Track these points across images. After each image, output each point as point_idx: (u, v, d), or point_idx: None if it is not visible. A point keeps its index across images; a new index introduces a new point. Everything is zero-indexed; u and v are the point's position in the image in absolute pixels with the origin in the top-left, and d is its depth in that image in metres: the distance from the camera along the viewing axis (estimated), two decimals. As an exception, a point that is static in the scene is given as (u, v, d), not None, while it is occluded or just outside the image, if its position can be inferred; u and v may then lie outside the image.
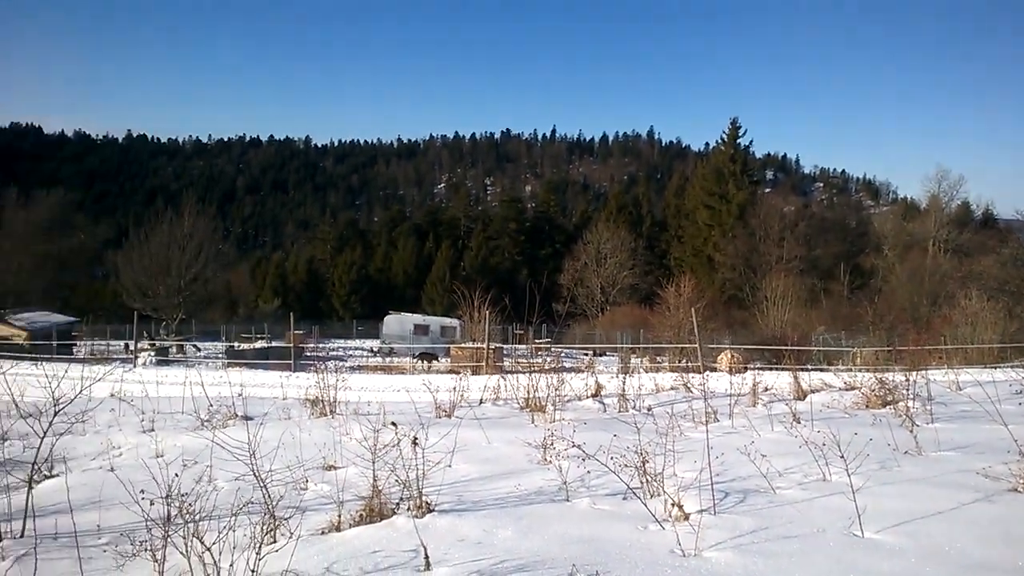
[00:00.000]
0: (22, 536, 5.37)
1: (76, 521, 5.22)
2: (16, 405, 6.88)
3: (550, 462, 6.60)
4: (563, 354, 24.13)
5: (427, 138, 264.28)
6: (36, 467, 6.51)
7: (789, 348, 21.80)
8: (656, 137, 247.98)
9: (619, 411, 9.82)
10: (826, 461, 5.67)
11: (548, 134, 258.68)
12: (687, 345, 23.11)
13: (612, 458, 5.56)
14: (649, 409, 9.06)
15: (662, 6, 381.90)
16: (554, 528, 4.90)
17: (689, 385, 12.50)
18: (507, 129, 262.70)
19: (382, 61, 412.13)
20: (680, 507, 4.99)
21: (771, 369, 17.09)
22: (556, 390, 9.95)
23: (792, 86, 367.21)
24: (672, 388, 12.66)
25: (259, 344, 38.73)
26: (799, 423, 7.92)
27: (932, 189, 68.66)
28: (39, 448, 6.20)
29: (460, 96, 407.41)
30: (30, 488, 6.08)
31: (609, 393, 11.24)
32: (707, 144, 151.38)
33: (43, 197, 57.73)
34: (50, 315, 39.23)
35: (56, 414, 6.04)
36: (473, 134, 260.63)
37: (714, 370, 18.15)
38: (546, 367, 11.64)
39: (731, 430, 8.01)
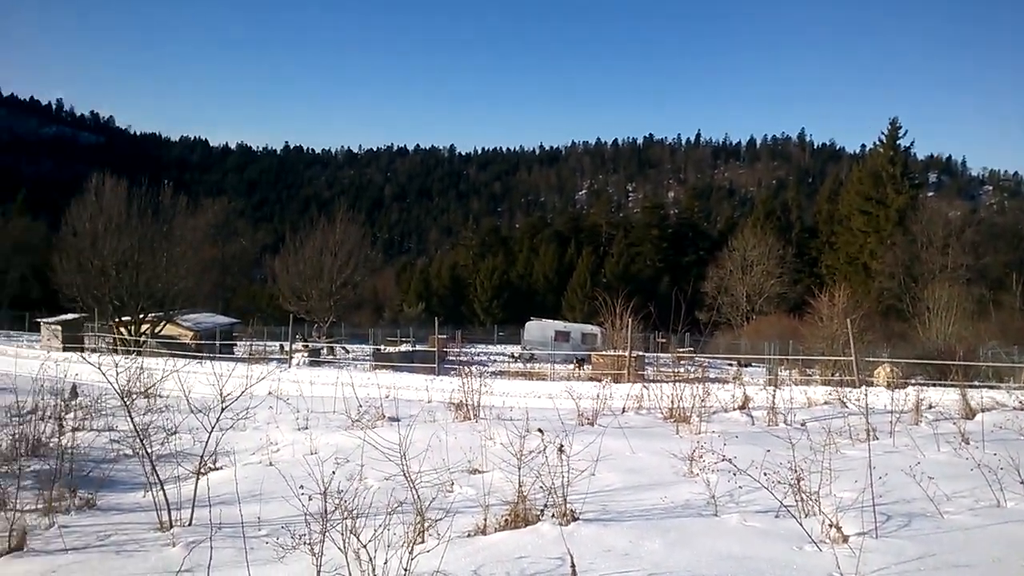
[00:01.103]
0: (190, 524, 5.72)
1: (237, 512, 5.50)
2: (188, 401, 7.33)
3: (697, 475, 6.42)
4: (707, 364, 23.57)
5: (568, 144, 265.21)
6: (203, 460, 6.94)
7: (955, 363, 20.36)
8: (807, 139, 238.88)
9: (768, 424, 9.46)
10: (1000, 486, 5.24)
11: (692, 138, 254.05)
12: (841, 358, 22.03)
13: (765, 473, 5.34)
14: (803, 424, 8.66)
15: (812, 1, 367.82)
16: (703, 543, 4.75)
17: (845, 400, 11.89)
18: (650, 134, 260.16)
19: (526, 68, 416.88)
20: (838, 528, 4.73)
21: (935, 385, 16.04)
22: (702, 401, 9.69)
23: (958, 82, 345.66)
24: (826, 403, 12.09)
25: (404, 347, 39.89)
26: (968, 444, 7.36)
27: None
28: (207, 442, 6.59)
29: (602, 102, 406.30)
30: (198, 480, 6.48)
31: (757, 406, 10.85)
32: (863, 146, 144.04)
33: (209, 205, 61.71)
34: (214, 316, 41.87)
35: (223, 410, 6.40)
36: (615, 139, 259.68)
37: (871, 385, 17.20)
38: (690, 377, 11.38)
39: (892, 449, 7.54)
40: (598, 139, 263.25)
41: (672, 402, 10.01)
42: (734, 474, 5.56)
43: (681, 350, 33.57)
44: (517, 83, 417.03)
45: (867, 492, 4.97)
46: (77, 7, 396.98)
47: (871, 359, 23.99)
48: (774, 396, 10.33)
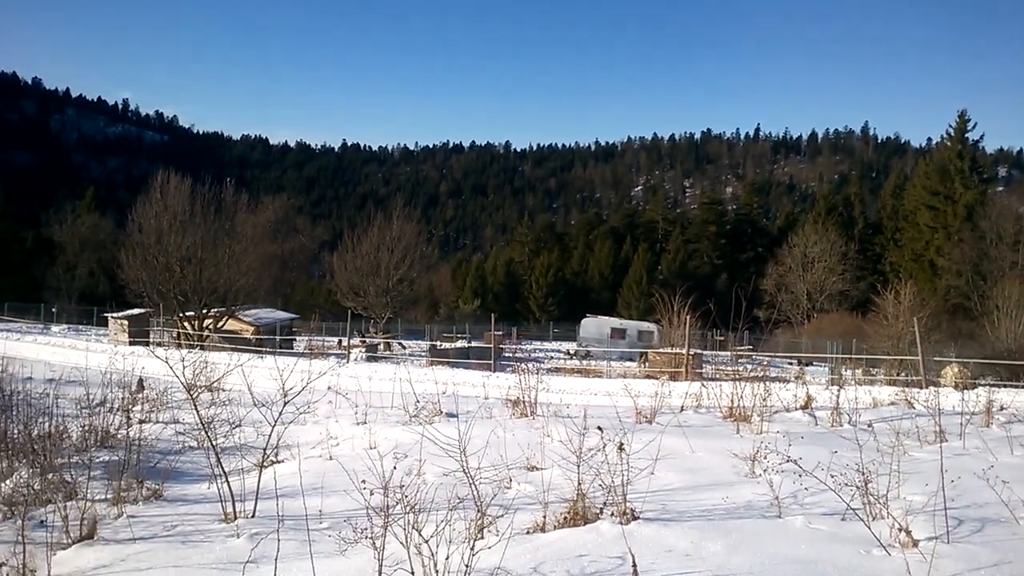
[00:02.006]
0: (253, 516, 5.82)
1: (299, 505, 5.58)
2: (252, 395, 7.46)
3: (759, 475, 6.30)
4: (767, 363, 23.15)
5: (624, 140, 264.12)
6: (266, 453, 7.05)
7: (1028, 364, 19.69)
8: (871, 133, 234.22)
9: (832, 425, 9.23)
10: (1079, 492, 5.03)
11: (751, 132, 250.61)
12: (907, 357, 21.46)
13: (832, 475, 5.21)
14: (869, 425, 8.43)
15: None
16: (767, 546, 4.65)
17: (911, 400, 11.57)
18: (707, 129, 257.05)
19: (582, 63, 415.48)
20: (908, 532, 4.58)
21: (1006, 386, 15.51)
22: (763, 400, 9.50)
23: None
24: (891, 403, 11.76)
25: (460, 344, 40.11)
26: (1045, 447, 7.10)
27: None
28: (270, 436, 6.69)
29: (659, 97, 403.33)
30: (261, 472, 6.59)
31: (820, 405, 10.61)
32: (929, 139, 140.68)
33: (269, 202, 62.82)
34: (274, 312, 42.64)
35: (285, 404, 6.49)
36: (672, 135, 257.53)
37: (938, 385, 16.71)
38: (750, 375, 11.18)
39: (962, 452, 7.30)
40: (654, 134, 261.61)
41: (732, 401, 9.85)
42: (799, 475, 5.43)
43: (740, 348, 33.11)
44: (573, 78, 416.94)
45: (938, 496, 4.82)
46: (142, 11, 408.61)
47: (938, 359, 23.30)
48: (838, 396, 10.09)
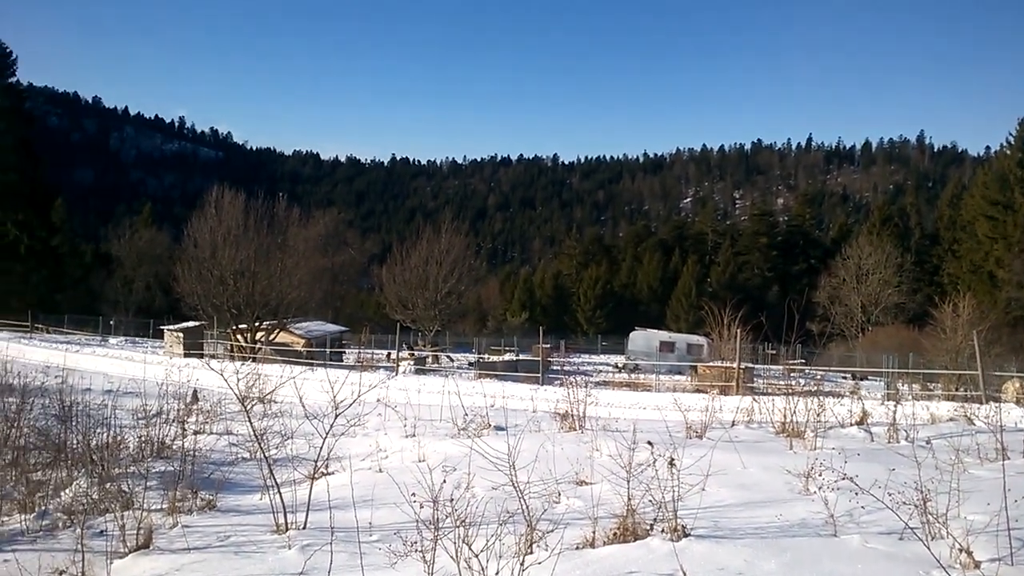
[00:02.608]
0: (305, 527, 5.88)
1: (350, 518, 5.62)
2: (304, 407, 7.55)
3: (813, 492, 6.18)
4: (821, 377, 22.72)
5: (673, 151, 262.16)
6: (317, 465, 7.13)
7: (1093, 379, 19.01)
8: (927, 142, 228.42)
9: (889, 441, 9.02)
10: None
11: (803, 143, 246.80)
12: (966, 372, 20.88)
13: (889, 493, 5.08)
14: (927, 441, 8.22)
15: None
16: (824, 566, 4.56)
17: (971, 416, 11.24)
18: (758, 139, 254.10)
19: (630, 74, 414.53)
20: (969, 553, 4.44)
21: (1071, 402, 14.99)
22: (817, 415, 9.32)
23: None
24: (950, 419, 11.46)
25: (508, 356, 40.13)
26: (1114, 466, 6.84)
27: None
28: (321, 448, 6.77)
29: (709, 107, 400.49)
30: (312, 484, 6.67)
31: (876, 421, 10.38)
32: (988, 148, 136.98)
33: (320, 216, 63.68)
34: (324, 324, 43.13)
35: (336, 417, 6.56)
36: (721, 145, 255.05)
37: (998, 401, 16.22)
38: (803, 389, 10.98)
39: (1026, 470, 7.07)
40: (704, 145, 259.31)
41: (785, 416, 9.68)
42: (855, 493, 5.31)
43: (792, 362, 32.56)
44: (621, 90, 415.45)
45: (1000, 515, 4.66)
46: (198, 32, 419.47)
47: (999, 373, 22.63)
48: (895, 411, 9.85)
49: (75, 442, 8.10)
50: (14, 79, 50.08)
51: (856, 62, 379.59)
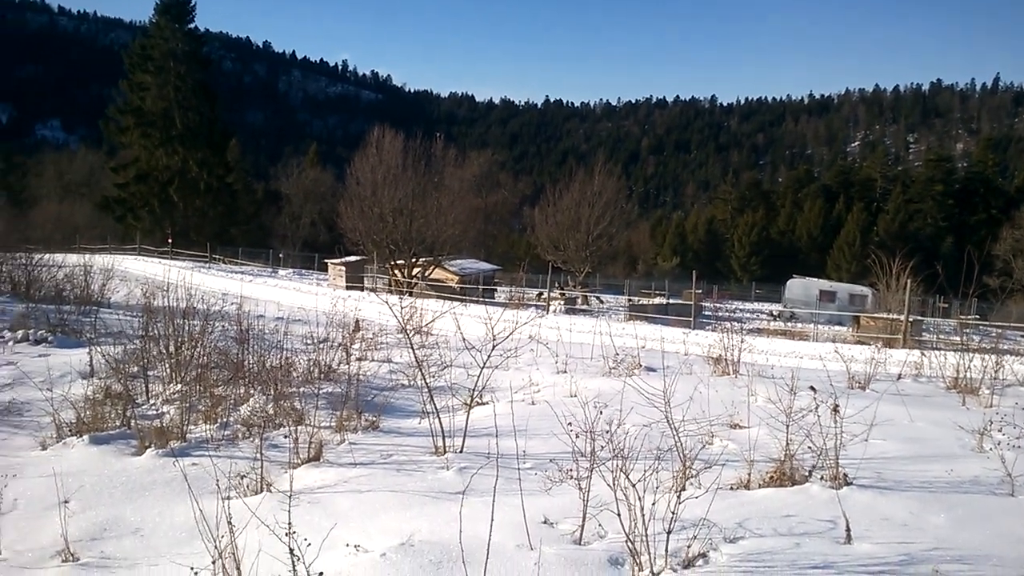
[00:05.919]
0: (461, 451, 6.10)
1: (504, 445, 5.79)
2: (463, 338, 7.78)
3: (988, 450, 5.81)
4: (999, 334, 21.15)
5: (842, 92, 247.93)
6: (473, 394, 7.36)
7: None
8: None
9: (1076, 402, 8.34)
10: None
11: (989, 83, 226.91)
12: None
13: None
14: (1123, 402, 7.54)
15: None
16: (997, 523, 4.32)
17: None
18: (937, 79, 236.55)
19: (795, 9, 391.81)
20: None
21: None
22: (994, 372, 8.72)
23: None
24: None
25: (658, 300, 39.69)
26: None
27: None
28: (478, 377, 6.98)
29: (882, 44, 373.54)
30: (469, 411, 6.90)
31: (1062, 380, 9.60)
32: None
33: (474, 157, 64.61)
34: (477, 262, 44.07)
35: (493, 348, 6.72)
36: (896, 86, 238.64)
37: None
38: (978, 345, 10.28)
39: None
40: (876, 86, 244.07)
41: (957, 371, 9.12)
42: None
43: (966, 317, 30.46)
44: (785, 28, 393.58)
45: None
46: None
47: None
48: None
49: (251, 362, 8.70)
50: (193, 25, 52.88)
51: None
